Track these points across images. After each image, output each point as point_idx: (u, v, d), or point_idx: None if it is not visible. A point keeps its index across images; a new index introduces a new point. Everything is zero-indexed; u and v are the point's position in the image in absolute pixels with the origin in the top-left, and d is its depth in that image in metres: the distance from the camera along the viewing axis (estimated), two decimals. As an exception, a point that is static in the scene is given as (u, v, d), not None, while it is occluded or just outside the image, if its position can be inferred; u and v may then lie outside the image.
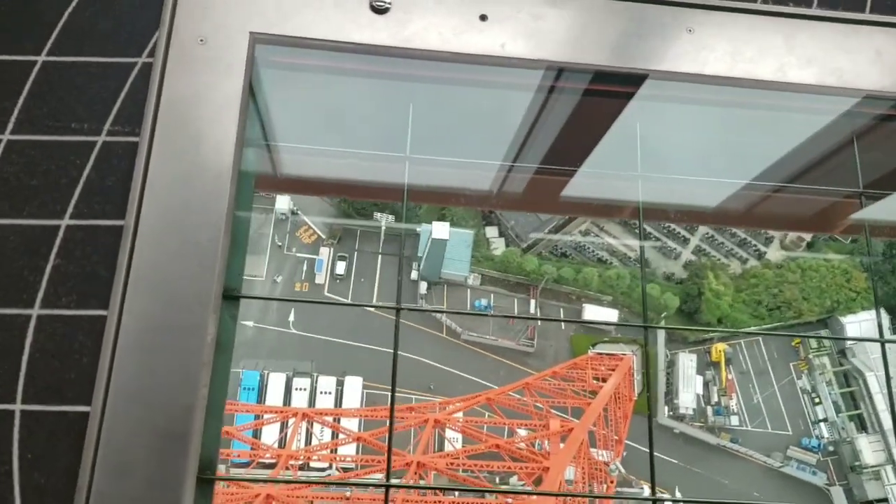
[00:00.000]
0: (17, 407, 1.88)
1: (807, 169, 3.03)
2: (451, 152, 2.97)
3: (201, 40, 2.31)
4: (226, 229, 2.09)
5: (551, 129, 2.89)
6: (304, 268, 42.96)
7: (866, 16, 2.66)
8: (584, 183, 3.06)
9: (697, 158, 3.09)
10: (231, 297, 2.13)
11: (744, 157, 3.12)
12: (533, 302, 43.74)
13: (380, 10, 2.42)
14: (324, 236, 43.77)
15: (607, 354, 41.83)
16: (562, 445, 34.06)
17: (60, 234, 2.05)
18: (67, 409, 1.88)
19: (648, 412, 40.54)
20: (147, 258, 2.05)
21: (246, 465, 34.66)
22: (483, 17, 2.47)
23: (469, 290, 43.99)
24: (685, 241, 45.94)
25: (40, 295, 1.99)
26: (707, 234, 45.91)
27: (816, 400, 43.49)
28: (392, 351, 38.36)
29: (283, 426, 35.97)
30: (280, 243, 43.16)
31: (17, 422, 1.86)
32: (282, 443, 35.05)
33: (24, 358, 1.92)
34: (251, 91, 2.33)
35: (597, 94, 2.69)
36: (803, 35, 2.61)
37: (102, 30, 2.34)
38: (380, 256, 43.94)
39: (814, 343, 44.48)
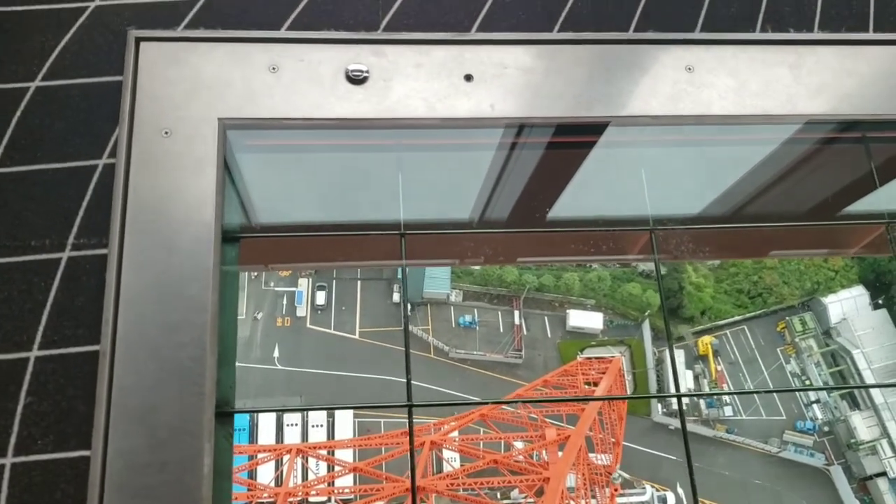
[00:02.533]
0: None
1: (827, 200, 2.93)
2: (443, 212, 2.82)
3: (166, 132, 2.12)
4: (212, 342, 1.89)
5: (549, 184, 2.76)
6: (285, 301, 42.55)
7: (870, 35, 2.57)
8: (591, 235, 2.93)
9: (709, 196, 2.96)
10: (225, 413, 1.94)
11: (757, 192, 2.99)
12: (517, 313, 43.69)
13: (357, 80, 2.27)
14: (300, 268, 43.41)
15: (596, 358, 41.87)
16: (560, 454, 33.91)
17: (30, 367, 1.85)
18: None
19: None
20: (128, 386, 1.85)
21: (243, 509, 34.11)
22: (468, 78, 2.33)
23: (452, 308, 43.85)
24: (661, 238, 46.15)
25: (13, 440, 1.78)
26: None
27: (807, 382, 43.77)
28: (381, 377, 37.98)
29: (278, 464, 35.49)
30: (265, 283, 42.76)
31: None
32: (278, 480, 34.56)
33: None
34: (227, 181, 2.15)
35: (595, 145, 2.56)
36: (809, 62, 2.50)
37: (57, 131, 2.14)
38: (358, 282, 43.67)
39: (798, 325, 44.80)
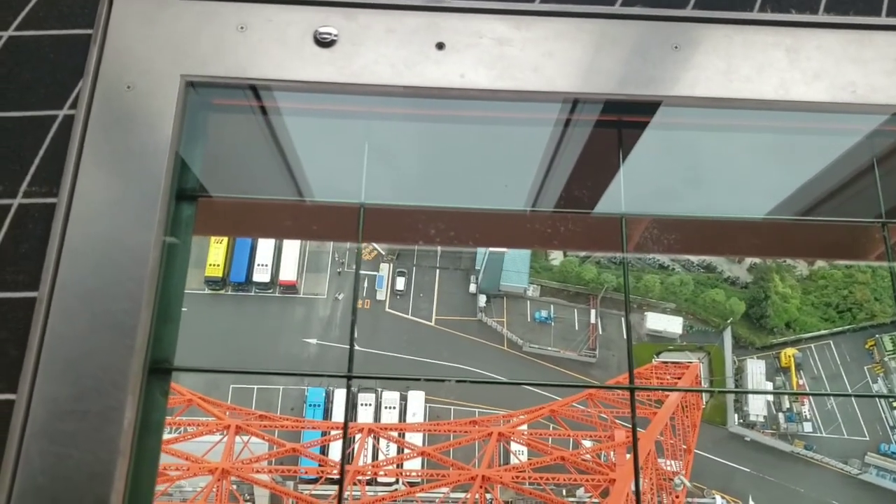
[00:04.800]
0: None
1: (825, 197, 2.75)
2: (411, 191, 2.79)
3: (128, 87, 2.16)
4: (148, 298, 1.95)
5: (522, 164, 2.74)
6: (366, 284, 43.52)
7: (882, 20, 2.38)
8: (561, 219, 2.86)
9: (694, 187, 2.82)
10: (161, 369, 2.00)
11: (749, 186, 2.90)
12: (593, 312, 43.41)
13: (325, 43, 2.25)
14: (383, 252, 44.27)
15: (673, 363, 41.24)
16: (628, 456, 33.63)
17: None
18: None
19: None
20: (61, 334, 1.90)
21: (314, 481, 35.23)
22: (440, 46, 2.29)
23: (528, 302, 43.93)
24: (748, 245, 44.94)
25: None
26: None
27: (894, 404, 41.97)
28: (453, 365, 38.44)
29: (350, 442, 36.42)
30: (342, 262, 43.78)
31: None
32: (349, 458, 35.50)
33: None
34: (188, 140, 2.19)
35: (569, 123, 2.49)
36: (809, 46, 2.34)
37: (23, 81, 2.22)
38: (437, 271, 44.21)
39: (889, 344, 42.95)
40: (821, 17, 2.38)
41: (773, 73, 2.30)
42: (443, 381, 37.66)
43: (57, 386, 1.85)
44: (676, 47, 2.31)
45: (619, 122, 2.49)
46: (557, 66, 2.28)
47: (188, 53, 2.22)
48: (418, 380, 39.78)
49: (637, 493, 31.76)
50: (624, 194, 2.55)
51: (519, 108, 2.41)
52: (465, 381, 36.70)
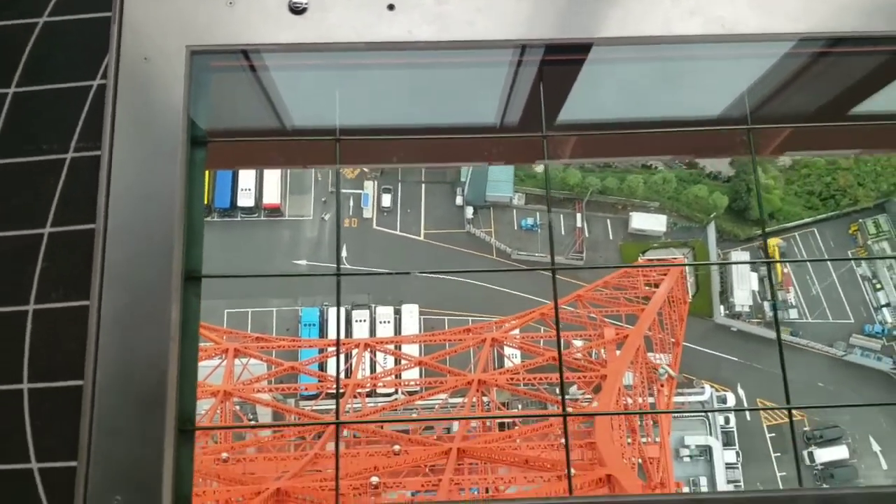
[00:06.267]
0: (25, 386, 2.32)
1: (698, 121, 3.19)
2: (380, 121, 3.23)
3: (146, 59, 2.62)
4: (179, 222, 2.45)
5: (464, 97, 3.10)
6: (351, 203, 43.55)
7: None
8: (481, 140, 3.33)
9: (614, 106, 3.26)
10: (193, 278, 2.51)
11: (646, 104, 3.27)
12: (579, 216, 43.68)
13: (298, 11, 2.67)
14: (367, 170, 44.07)
15: (658, 259, 41.85)
16: (618, 352, 34.50)
17: (44, 241, 2.46)
18: (64, 385, 2.33)
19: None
20: (117, 254, 2.43)
21: (314, 396, 36.19)
22: (391, 7, 2.70)
23: (515, 211, 44.13)
24: (730, 138, 44.74)
25: (34, 293, 2.41)
26: (753, 128, 44.62)
27: (878, 286, 42.76)
28: (444, 277, 38.92)
29: (347, 357, 37.21)
30: (331, 186, 43.62)
31: (25, 397, 2.32)
32: (347, 373, 36.32)
33: (26, 346, 2.36)
34: (194, 96, 2.64)
35: (507, 64, 2.90)
36: None
37: (61, 58, 2.67)
38: (423, 186, 44.21)
39: (872, 228, 43.46)
40: None
41: (659, 12, 2.70)
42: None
43: (120, 293, 2.40)
44: None
45: (543, 60, 2.94)
46: (485, 19, 2.71)
47: (190, 27, 2.67)
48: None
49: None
50: (545, 117, 2.99)
51: (464, 54, 2.86)
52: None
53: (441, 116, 3.30)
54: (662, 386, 34.04)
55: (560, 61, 2.86)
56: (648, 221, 43.29)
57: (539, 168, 44.33)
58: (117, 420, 2.26)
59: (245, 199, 42.19)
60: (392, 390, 38.11)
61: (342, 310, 40.78)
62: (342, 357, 37.36)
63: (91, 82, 2.63)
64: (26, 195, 2.52)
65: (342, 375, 36.14)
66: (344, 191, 43.91)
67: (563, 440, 31.31)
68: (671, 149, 3.82)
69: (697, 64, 3.00)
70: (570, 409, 35.12)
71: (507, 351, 36.95)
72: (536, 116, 2.97)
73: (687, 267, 41.44)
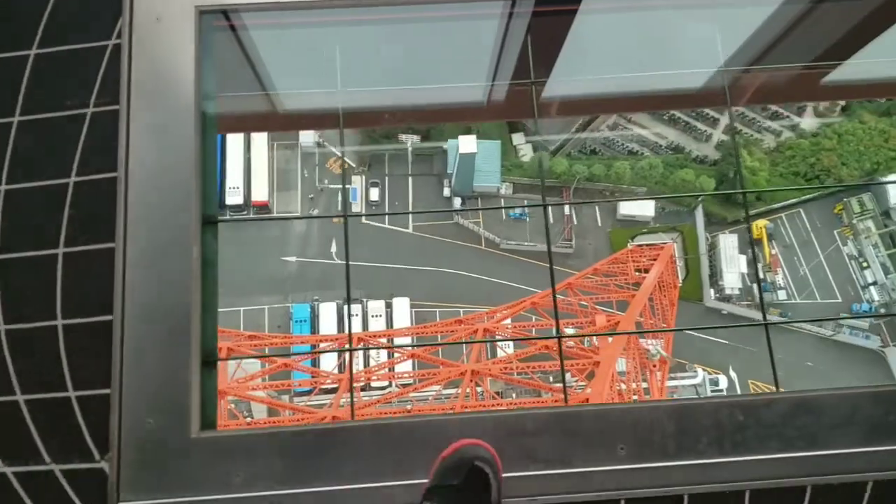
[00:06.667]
0: (59, 322, 2.48)
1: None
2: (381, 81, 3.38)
3: (157, 19, 2.76)
4: (197, 168, 2.62)
5: (457, 54, 3.22)
6: (339, 198, 43.52)
7: None
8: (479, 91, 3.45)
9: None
10: (210, 222, 2.68)
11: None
12: (545, 223, 43.85)
13: None
14: (354, 165, 44.09)
15: (648, 245, 42.07)
16: (610, 339, 34.63)
17: (70, 189, 2.62)
18: (96, 320, 2.49)
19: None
20: (139, 199, 2.61)
21: (308, 392, 36.23)
22: None
23: (502, 200, 44.27)
24: (715, 122, 45.14)
25: (62, 238, 2.57)
26: (737, 111, 44.98)
27: (864, 264, 43.12)
28: (435, 269, 39.02)
29: (341, 352, 37.19)
30: (318, 182, 43.61)
31: (60, 333, 2.48)
32: (341, 367, 36.36)
33: (58, 286, 2.53)
34: (203, 53, 2.79)
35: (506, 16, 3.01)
36: None
37: (79, 19, 2.81)
38: (410, 179, 44.28)
39: (857, 207, 43.85)
40: None
41: None
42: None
43: (143, 234, 2.57)
44: None
45: (533, 12, 3.08)
46: None
47: None
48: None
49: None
50: (532, 66, 3.12)
51: (457, 7, 2.96)
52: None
53: (435, 75, 3.43)
54: (655, 367, 34.26)
55: (549, 12, 2.99)
56: (637, 207, 43.54)
57: (525, 158, 44.52)
58: (146, 352, 2.42)
59: (233, 197, 42.13)
60: (386, 383, 38.18)
61: (333, 306, 40.78)
62: (335, 354, 37.49)
63: (107, 42, 2.77)
64: (51, 148, 2.67)
65: (335, 371, 36.23)
66: (331, 186, 43.90)
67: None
68: (654, 103, 3.98)
69: (681, 14, 3.13)
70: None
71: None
72: (527, 71, 3.12)
73: (676, 251, 41.73)
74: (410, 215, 43.58)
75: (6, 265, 2.52)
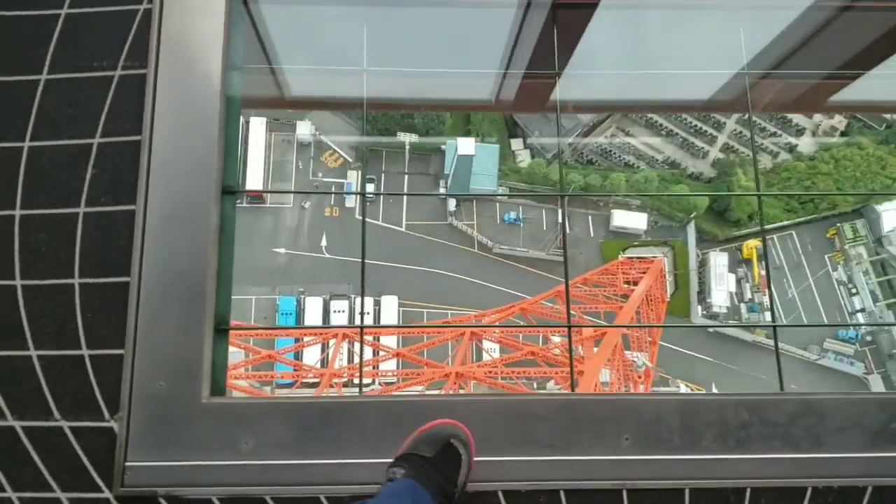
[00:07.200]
0: (76, 281, 2.49)
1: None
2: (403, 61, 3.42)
3: None
4: (219, 138, 2.64)
5: (476, 42, 3.25)
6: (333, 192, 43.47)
7: None
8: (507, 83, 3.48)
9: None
10: (229, 192, 2.70)
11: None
12: (561, 211, 43.95)
13: None
14: (350, 159, 44.02)
15: (638, 258, 42.18)
16: (596, 349, 34.73)
17: (94, 150, 2.64)
18: (113, 281, 2.51)
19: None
20: (161, 164, 2.62)
21: (290, 385, 36.15)
22: None
23: (498, 204, 44.32)
24: (712, 140, 45.33)
25: (84, 197, 2.59)
26: (735, 130, 45.22)
27: (853, 290, 43.34)
28: (425, 269, 39.04)
29: (325, 347, 37.16)
30: (312, 174, 43.55)
31: (77, 292, 2.49)
32: (324, 362, 36.28)
33: (77, 245, 2.54)
34: (231, 23, 2.82)
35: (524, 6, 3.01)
36: None
37: None
38: (406, 176, 44.27)
39: (849, 233, 44.10)
40: None
41: None
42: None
43: (163, 198, 2.59)
44: None
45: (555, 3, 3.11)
46: None
47: None
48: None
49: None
50: (557, 61, 3.12)
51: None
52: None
53: (453, 62, 3.45)
54: (640, 378, 34.38)
55: (572, 4, 3.01)
56: (629, 219, 43.68)
57: (523, 164, 44.59)
58: (161, 315, 2.43)
59: (228, 185, 41.92)
60: (369, 381, 38.10)
61: (319, 300, 40.68)
62: (318, 347, 37.38)
63: (138, 6, 2.79)
64: (78, 108, 2.68)
65: (318, 366, 36.15)
66: (327, 180, 43.82)
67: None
68: (676, 103, 4.03)
69: (704, 15, 3.16)
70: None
71: (486, 345, 37.13)
72: (546, 62, 3.13)
73: (666, 266, 41.88)
74: (404, 214, 43.54)
75: (27, 221, 2.52)
